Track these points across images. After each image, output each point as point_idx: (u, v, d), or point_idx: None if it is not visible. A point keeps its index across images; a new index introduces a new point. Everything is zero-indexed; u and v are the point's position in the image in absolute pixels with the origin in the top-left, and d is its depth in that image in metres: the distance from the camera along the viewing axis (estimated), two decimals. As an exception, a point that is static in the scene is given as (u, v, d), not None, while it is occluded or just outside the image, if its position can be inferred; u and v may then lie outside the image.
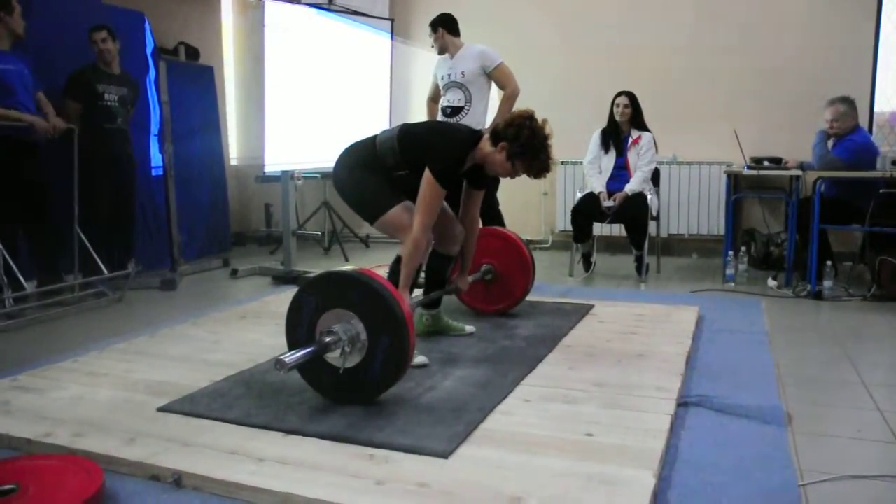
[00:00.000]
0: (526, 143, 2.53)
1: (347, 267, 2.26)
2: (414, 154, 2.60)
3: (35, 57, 4.05)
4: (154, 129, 5.09)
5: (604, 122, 4.84)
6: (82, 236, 4.05)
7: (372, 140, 2.73)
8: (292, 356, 2.06)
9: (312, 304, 2.19)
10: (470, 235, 2.94)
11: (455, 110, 4.24)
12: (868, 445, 2.06)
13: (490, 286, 3.37)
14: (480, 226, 3.14)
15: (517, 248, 3.36)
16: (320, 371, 2.20)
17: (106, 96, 4.33)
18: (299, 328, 2.22)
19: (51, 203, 4.07)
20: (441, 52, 4.35)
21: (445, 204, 2.82)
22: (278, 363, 2.03)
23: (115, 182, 4.42)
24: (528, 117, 2.57)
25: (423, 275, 3.00)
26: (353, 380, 2.16)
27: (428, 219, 2.53)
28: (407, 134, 2.67)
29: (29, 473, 1.72)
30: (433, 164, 2.52)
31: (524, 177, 2.68)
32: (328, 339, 2.12)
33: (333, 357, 2.16)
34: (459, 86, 4.23)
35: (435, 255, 2.90)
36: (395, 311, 2.10)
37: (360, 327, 2.13)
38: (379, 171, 2.68)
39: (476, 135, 2.70)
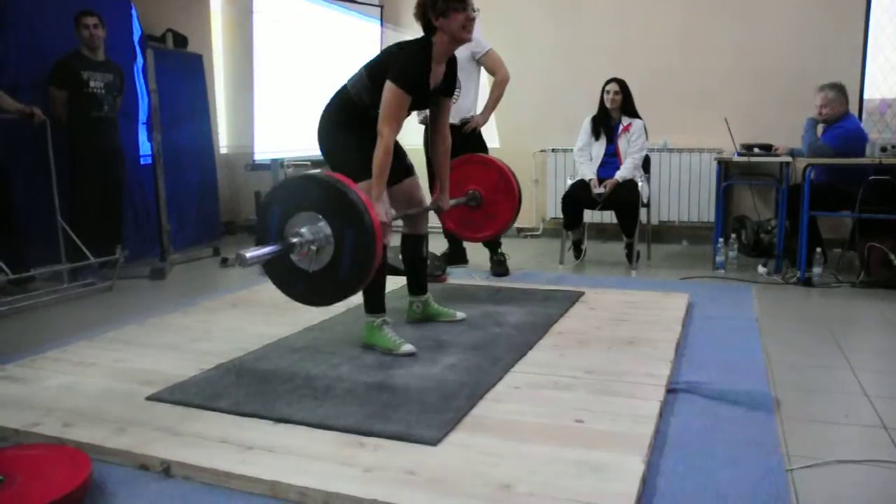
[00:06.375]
0: None
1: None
2: (383, 78, 2.61)
3: (20, 44, 4.00)
4: (142, 117, 5.05)
5: (594, 110, 4.82)
6: (65, 226, 4.02)
7: (343, 89, 2.78)
8: (254, 252, 2.06)
9: (278, 211, 2.21)
10: (441, 148, 2.91)
11: None
12: (855, 430, 2.08)
13: (475, 212, 3.29)
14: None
15: (502, 173, 3.29)
16: (294, 277, 2.24)
17: (91, 83, 4.29)
18: (268, 237, 2.24)
19: (13, 190, 4.02)
20: None
21: (413, 190, 2.86)
22: (238, 257, 2.03)
23: (102, 170, 4.39)
24: None
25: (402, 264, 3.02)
26: (325, 279, 2.18)
27: (395, 124, 2.56)
28: (372, 67, 2.73)
29: (17, 463, 1.71)
30: (392, 72, 2.57)
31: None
32: (294, 241, 2.15)
33: (301, 259, 2.18)
34: None
35: (406, 238, 2.94)
36: (353, 202, 2.13)
37: (324, 225, 2.16)
38: (357, 126, 2.68)
39: (424, 39, 2.72)
